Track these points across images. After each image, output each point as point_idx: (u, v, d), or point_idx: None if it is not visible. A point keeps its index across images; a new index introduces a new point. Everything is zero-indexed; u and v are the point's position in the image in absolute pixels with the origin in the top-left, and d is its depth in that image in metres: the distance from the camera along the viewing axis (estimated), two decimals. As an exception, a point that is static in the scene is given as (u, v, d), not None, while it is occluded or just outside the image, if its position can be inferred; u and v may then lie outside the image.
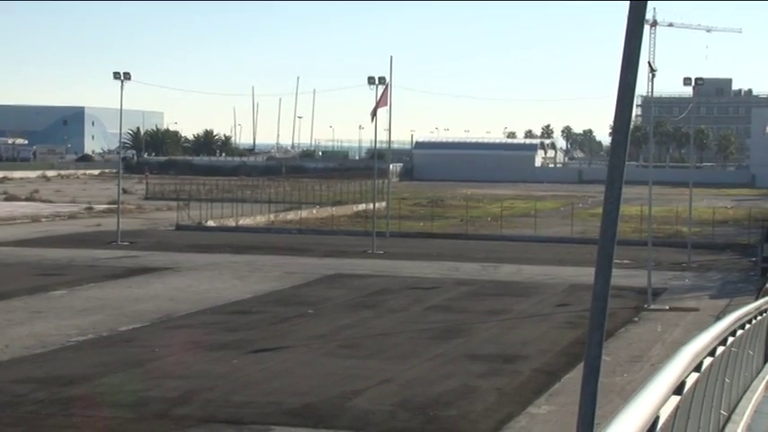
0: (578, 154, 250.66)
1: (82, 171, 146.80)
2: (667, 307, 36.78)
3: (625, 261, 43.77)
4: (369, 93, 58.21)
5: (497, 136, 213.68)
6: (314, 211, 78.40)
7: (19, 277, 40.27)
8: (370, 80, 58.17)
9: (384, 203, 63.41)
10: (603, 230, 4.56)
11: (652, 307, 36.36)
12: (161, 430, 19.41)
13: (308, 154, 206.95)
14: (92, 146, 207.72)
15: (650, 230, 42.16)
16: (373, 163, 71.67)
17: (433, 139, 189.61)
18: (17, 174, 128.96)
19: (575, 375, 23.64)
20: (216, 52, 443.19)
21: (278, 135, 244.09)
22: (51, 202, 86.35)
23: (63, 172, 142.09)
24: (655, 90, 46.76)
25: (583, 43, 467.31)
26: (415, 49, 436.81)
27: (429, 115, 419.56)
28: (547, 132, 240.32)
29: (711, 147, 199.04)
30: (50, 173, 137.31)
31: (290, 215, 74.49)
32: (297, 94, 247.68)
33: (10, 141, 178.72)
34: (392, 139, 64.31)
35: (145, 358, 25.99)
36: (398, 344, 28.76)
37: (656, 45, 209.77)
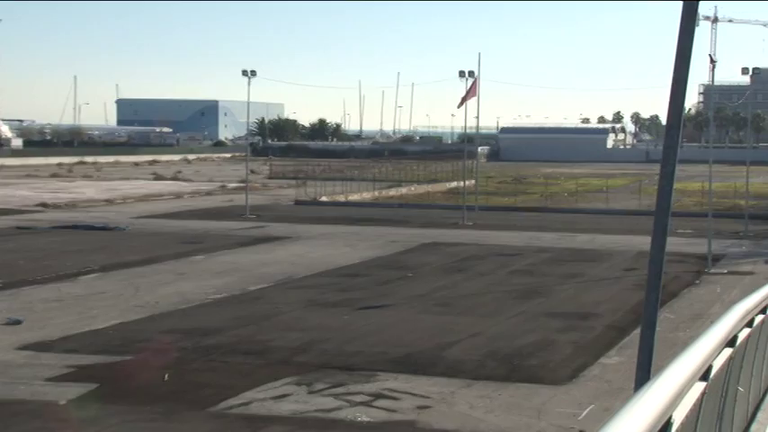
0: (645, 137, 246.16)
1: (216, 155, 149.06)
2: (725, 271, 36.17)
3: (688, 231, 43.13)
4: (460, 85, 58.16)
5: (573, 121, 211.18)
6: (412, 188, 78.48)
7: (166, 245, 41.09)
8: (461, 74, 58.05)
9: (473, 181, 63.19)
10: (658, 203, 4.57)
11: (712, 271, 35.81)
12: (285, 374, 19.67)
13: (407, 139, 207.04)
14: (224, 133, 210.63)
15: (710, 203, 41.60)
16: (464, 146, 71.47)
17: (516, 125, 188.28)
18: (164, 157, 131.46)
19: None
20: (328, 51, 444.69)
21: (381, 122, 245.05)
22: (191, 181, 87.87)
23: (201, 156, 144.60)
24: (715, 79, 45.86)
25: (651, 38, 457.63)
26: (501, 46, 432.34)
27: (513, 104, 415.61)
28: (617, 118, 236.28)
29: (767, 129, 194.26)
30: (191, 156, 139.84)
31: (392, 192, 74.70)
32: (398, 86, 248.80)
33: (158, 130, 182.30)
34: (480, 125, 63.85)
35: (270, 313, 26.36)
36: (486, 303, 28.75)
37: (716, 39, 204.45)
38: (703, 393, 5.53)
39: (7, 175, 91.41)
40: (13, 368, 19.96)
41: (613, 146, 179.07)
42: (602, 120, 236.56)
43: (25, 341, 22.33)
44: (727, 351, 6.95)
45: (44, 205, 59.49)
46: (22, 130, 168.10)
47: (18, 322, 24.45)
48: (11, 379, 19.10)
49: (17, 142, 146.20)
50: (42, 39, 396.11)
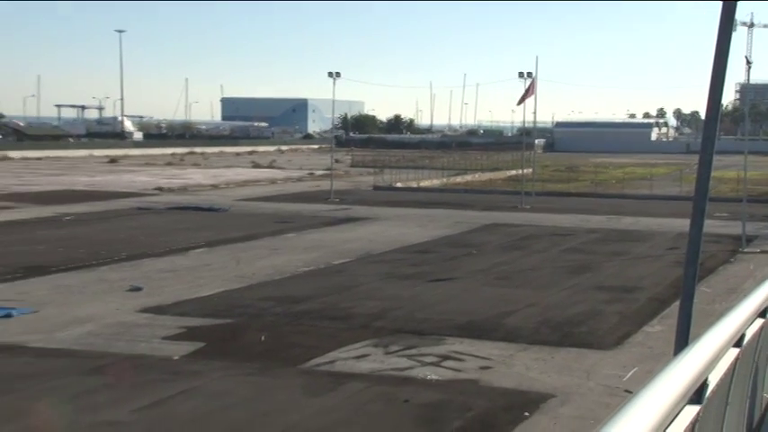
0: (686, 130, 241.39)
1: (305, 146, 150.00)
2: (758, 250, 35.36)
3: (724, 214, 42.26)
4: (519, 84, 57.82)
5: (621, 117, 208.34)
6: (476, 176, 78.05)
7: (262, 224, 41.53)
8: (520, 75, 57.69)
9: (530, 170, 62.67)
10: (697, 188, 4.49)
11: (746, 250, 35.07)
12: (364, 337, 19.79)
13: (472, 132, 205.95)
14: (312, 127, 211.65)
15: (745, 189, 40.87)
16: (523, 139, 70.95)
17: (569, 120, 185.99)
18: (261, 148, 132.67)
19: (681, 302, 23.01)
20: (403, 55, 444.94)
21: (449, 118, 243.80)
22: (284, 169, 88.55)
23: (292, 147, 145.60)
24: (750, 78, 44.95)
25: (692, 41, 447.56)
26: (556, 49, 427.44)
27: (566, 101, 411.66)
28: (661, 113, 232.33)
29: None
30: (284, 147, 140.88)
31: (458, 179, 74.39)
32: (464, 86, 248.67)
33: (256, 124, 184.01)
34: (537, 119, 63.31)
35: (351, 284, 26.50)
36: (541, 277, 28.54)
37: (752, 42, 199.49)
38: (737, 359, 5.42)
39: (130, 164, 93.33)
40: (134, 328, 20.42)
41: (657, 138, 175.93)
42: (646, 115, 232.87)
43: (144, 305, 22.82)
44: (759, 321, 6.81)
45: (160, 189, 60.56)
46: (142, 124, 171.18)
47: (139, 289, 24.98)
48: (133, 337, 19.55)
49: (138, 135, 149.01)
50: (159, 46, 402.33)
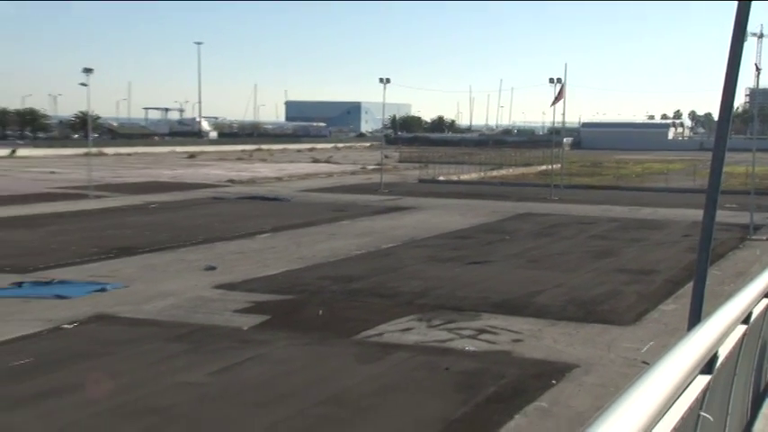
0: (700, 130, 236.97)
1: (359, 144, 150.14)
2: (765, 238, 34.61)
3: (733, 205, 41.50)
4: (550, 89, 57.19)
5: (641, 118, 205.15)
6: (510, 170, 77.55)
7: (320, 212, 41.71)
8: (551, 80, 56.96)
9: (559, 165, 62.03)
10: (710, 180, 4.41)
11: (753, 237, 34.38)
12: (409, 312, 19.81)
13: (507, 131, 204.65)
14: (365, 127, 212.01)
15: (753, 182, 40.18)
16: (552, 137, 70.36)
17: (594, 121, 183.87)
18: (319, 146, 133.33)
19: (694, 284, 22.67)
20: (446, 62, 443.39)
21: (486, 118, 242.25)
22: (339, 163, 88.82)
23: (347, 144, 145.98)
24: (759, 84, 44.34)
25: (706, 49, 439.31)
26: (583, 57, 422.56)
27: (592, 103, 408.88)
28: (677, 115, 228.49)
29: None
30: (339, 145, 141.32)
31: (494, 173, 73.93)
32: (500, 91, 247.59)
33: (315, 124, 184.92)
34: (565, 120, 62.62)
35: (398, 266, 26.51)
36: (568, 260, 28.28)
37: (762, 51, 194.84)
38: (744, 334, 5.34)
39: (206, 159, 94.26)
40: (210, 302, 20.66)
41: (673, 137, 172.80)
42: (664, 116, 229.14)
43: (218, 282, 23.07)
44: (765, 301, 6.69)
45: (232, 181, 61.11)
46: (217, 124, 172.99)
47: (213, 268, 25.26)
48: (209, 310, 19.79)
49: (213, 134, 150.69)
50: (232, 55, 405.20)
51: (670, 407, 2.77)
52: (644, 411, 2.33)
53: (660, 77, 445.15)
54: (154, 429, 12.14)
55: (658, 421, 2.54)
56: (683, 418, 3.22)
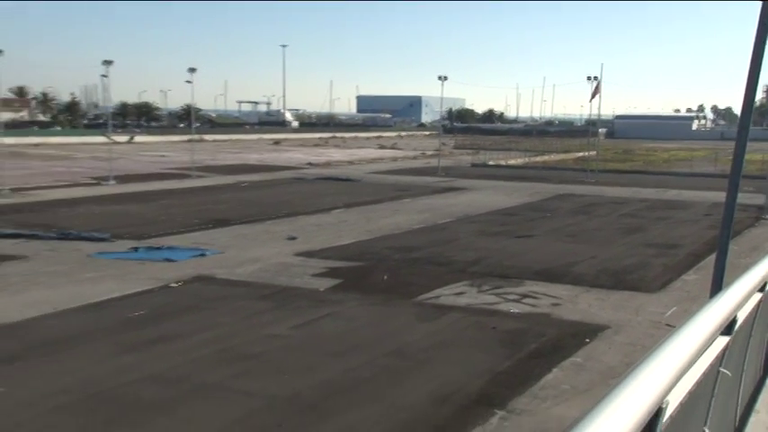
0: (721, 122, 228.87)
1: (419, 133, 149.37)
2: (779, 218, 33.54)
3: (750, 188, 40.12)
4: (587, 85, 56.05)
5: (668, 111, 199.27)
6: (551, 156, 76.25)
7: (385, 191, 41.76)
8: (588, 78, 55.74)
9: (594, 152, 60.79)
10: (733, 165, 4.29)
11: (767, 217, 33.31)
12: (462, 279, 19.79)
13: (549, 123, 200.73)
14: (425, 118, 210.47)
15: (770, 169, 38.89)
16: (589, 128, 68.94)
17: (626, 113, 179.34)
18: (385, 134, 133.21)
19: (714, 257, 22.02)
20: (496, 61, 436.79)
21: (531, 111, 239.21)
22: (402, 149, 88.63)
23: (409, 133, 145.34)
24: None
25: (728, 47, 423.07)
26: (618, 56, 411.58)
27: (624, 98, 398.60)
28: (701, 108, 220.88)
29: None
30: (403, 133, 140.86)
31: (537, 159, 72.84)
32: (543, 86, 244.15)
33: (382, 116, 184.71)
34: (600, 113, 61.36)
35: (452, 238, 26.46)
36: (601, 235, 27.82)
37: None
38: (760, 301, 5.21)
39: (289, 145, 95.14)
40: (291, 267, 20.94)
41: (696, 128, 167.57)
42: (689, 110, 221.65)
43: (299, 250, 23.35)
44: None
45: (310, 164, 61.57)
46: (298, 115, 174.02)
47: (294, 238, 25.55)
48: (291, 274, 20.07)
49: (295, 124, 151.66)
50: (311, 55, 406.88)
51: (694, 362, 2.74)
52: (673, 366, 2.32)
53: (685, 75, 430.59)
54: (247, 372, 12.44)
55: (685, 374, 2.52)
56: (705, 374, 3.19)
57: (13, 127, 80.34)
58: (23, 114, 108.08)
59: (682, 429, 2.85)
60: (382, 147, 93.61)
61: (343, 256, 22.42)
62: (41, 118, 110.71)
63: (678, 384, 2.43)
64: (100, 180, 43.34)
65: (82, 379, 11.89)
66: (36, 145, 76.14)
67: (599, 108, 60.29)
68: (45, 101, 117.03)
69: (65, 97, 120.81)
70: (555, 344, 14.42)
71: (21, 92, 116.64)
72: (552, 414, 10.84)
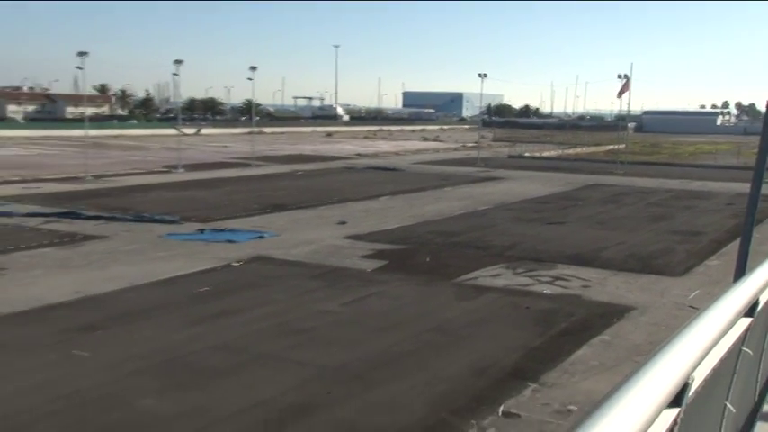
0: (744, 118, 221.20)
1: (460, 126, 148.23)
2: (803, 208, 32.35)
3: (776, 180, 38.98)
4: (617, 83, 54.74)
5: (693, 107, 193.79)
6: (583, 149, 74.95)
7: (428, 180, 41.61)
8: (618, 76, 54.55)
9: (624, 145, 59.52)
10: (757, 159, 4.16)
11: (793, 207, 32.18)
12: (499, 262, 19.66)
13: (581, 118, 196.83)
14: (465, 113, 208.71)
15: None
16: (619, 123, 67.50)
17: (654, 109, 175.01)
18: (429, 128, 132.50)
19: (734, 244, 21.38)
20: (532, 60, 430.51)
21: (565, 107, 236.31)
22: (444, 142, 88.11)
23: (451, 127, 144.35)
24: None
25: (752, 47, 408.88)
26: (646, 55, 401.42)
27: (653, 94, 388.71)
28: (725, 105, 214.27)
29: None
30: (445, 127, 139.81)
31: (570, 151, 71.68)
32: (576, 84, 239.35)
33: (426, 110, 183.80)
34: (630, 108, 60.12)
35: (490, 224, 26.27)
36: (629, 223, 27.27)
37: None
38: None
39: (340, 137, 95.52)
40: (341, 249, 21.07)
41: (720, 124, 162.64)
42: (714, 106, 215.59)
43: (348, 234, 23.47)
44: None
45: (359, 155, 61.65)
46: (348, 110, 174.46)
47: (344, 223, 25.67)
48: (341, 255, 20.20)
49: (346, 117, 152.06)
50: (361, 54, 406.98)
51: (719, 341, 2.68)
52: (699, 344, 2.28)
53: (711, 73, 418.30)
54: (301, 344, 12.60)
55: (709, 352, 2.47)
56: (728, 352, 3.13)
57: (96, 120, 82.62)
58: (105, 109, 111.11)
59: (706, 403, 2.79)
60: (426, 139, 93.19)
61: (389, 240, 22.44)
62: (120, 112, 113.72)
63: (703, 361, 2.38)
64: (170, 168, 44.20)
65: (155, 347, 12.21)
66: (115, 137, 78.04)
67: (628, 104, 59.51)
68: (123, 97, 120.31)
69: (140, 94, 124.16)
70: (584, 323, 14.24)
71: (103, 89, 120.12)
72: (581, 388, 10.73)
